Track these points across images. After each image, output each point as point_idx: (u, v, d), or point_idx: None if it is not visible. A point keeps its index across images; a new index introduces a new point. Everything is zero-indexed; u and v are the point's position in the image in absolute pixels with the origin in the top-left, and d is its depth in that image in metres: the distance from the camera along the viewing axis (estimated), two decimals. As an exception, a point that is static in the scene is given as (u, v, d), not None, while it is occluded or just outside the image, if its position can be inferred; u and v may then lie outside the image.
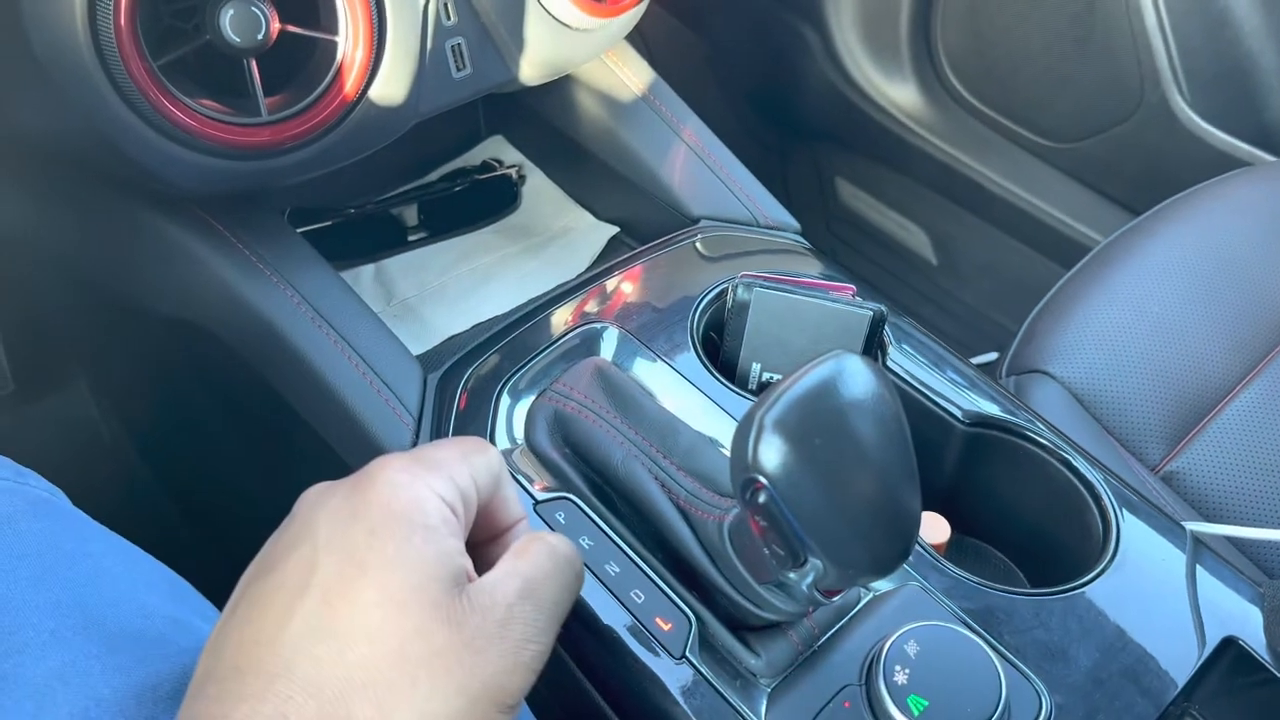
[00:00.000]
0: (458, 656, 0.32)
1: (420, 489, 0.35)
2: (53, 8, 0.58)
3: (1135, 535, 0.57)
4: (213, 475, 1.01)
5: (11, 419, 1.06)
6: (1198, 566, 0.56)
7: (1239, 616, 0.54)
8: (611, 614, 0.51)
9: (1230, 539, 0.72)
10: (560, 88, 0.86)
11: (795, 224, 0.80)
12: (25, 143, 0.71)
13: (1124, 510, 0.58)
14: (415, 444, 0.63)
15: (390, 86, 0.66)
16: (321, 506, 0.35)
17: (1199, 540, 0.58)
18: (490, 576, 0.35)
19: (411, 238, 0.88)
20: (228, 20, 0.60)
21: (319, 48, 0.65)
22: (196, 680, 0.33)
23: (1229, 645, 0.52)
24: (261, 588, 0.34)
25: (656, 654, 0.49)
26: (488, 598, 0.34)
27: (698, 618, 0.50)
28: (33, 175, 0.79)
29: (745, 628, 0.49)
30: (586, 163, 0.88)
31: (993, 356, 0.99)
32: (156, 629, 0.44)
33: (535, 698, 0.49)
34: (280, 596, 0.33)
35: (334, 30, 0.63)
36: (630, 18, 0.79)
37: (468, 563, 0.36)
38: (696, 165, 0.83)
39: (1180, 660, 0.51)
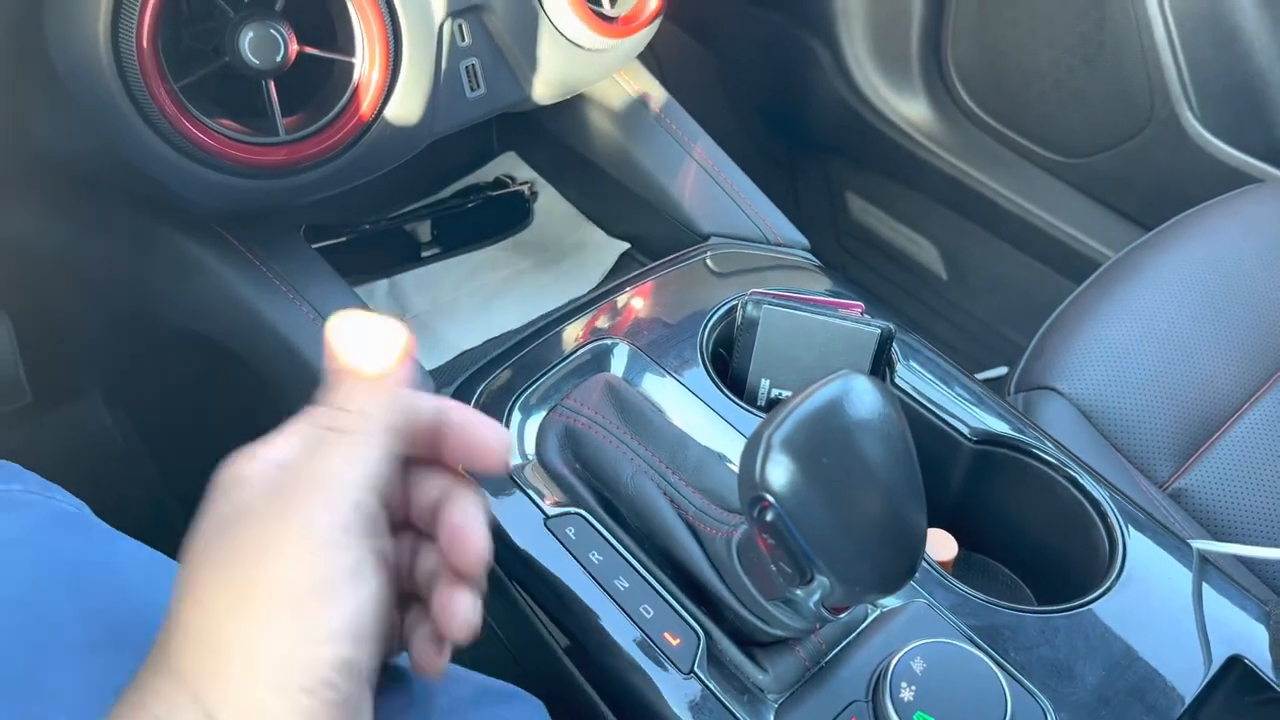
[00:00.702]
0: None
1: None
2: (76, 31, 0.59)
3: (1141, 553, 0.57)
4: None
5: (28, 429, 1.07)
6: (1204, 584, 0.56)
7: (1245, 635, 0.54)
8: (621, 629, 0.52)
9: (1237, 557, 0.72)
10: (572, 106, 0.87)
11: (805, 241, 0.81)
12: (47, 160, 0.72)
13: (1130, 528, 0.58)
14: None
15: (406, 106, 0.67)
16: None
17: (1205, 558, 0.58)
18: None
19: (425, 253, 0.89)
20: (247, 43, 0.62)
21: (336, 69, 0.66)
22: None
23: (1235, 664, 0.52)
24: None
25: (665, 669, 0.50)
26: None
27: (706, 633, 0.51)
28: (54, 191, 0.80)
29: (753, 643, 0.50)
30: (598, 180, 0.89)
31: (1002, 371, 1.00)
32: None
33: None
34: None
35: (351, 52, 0.64)
36: (642, 38, 0.80)
37: None
38: (707, 183, 0.84)
39: (1186, 678, 0.51)
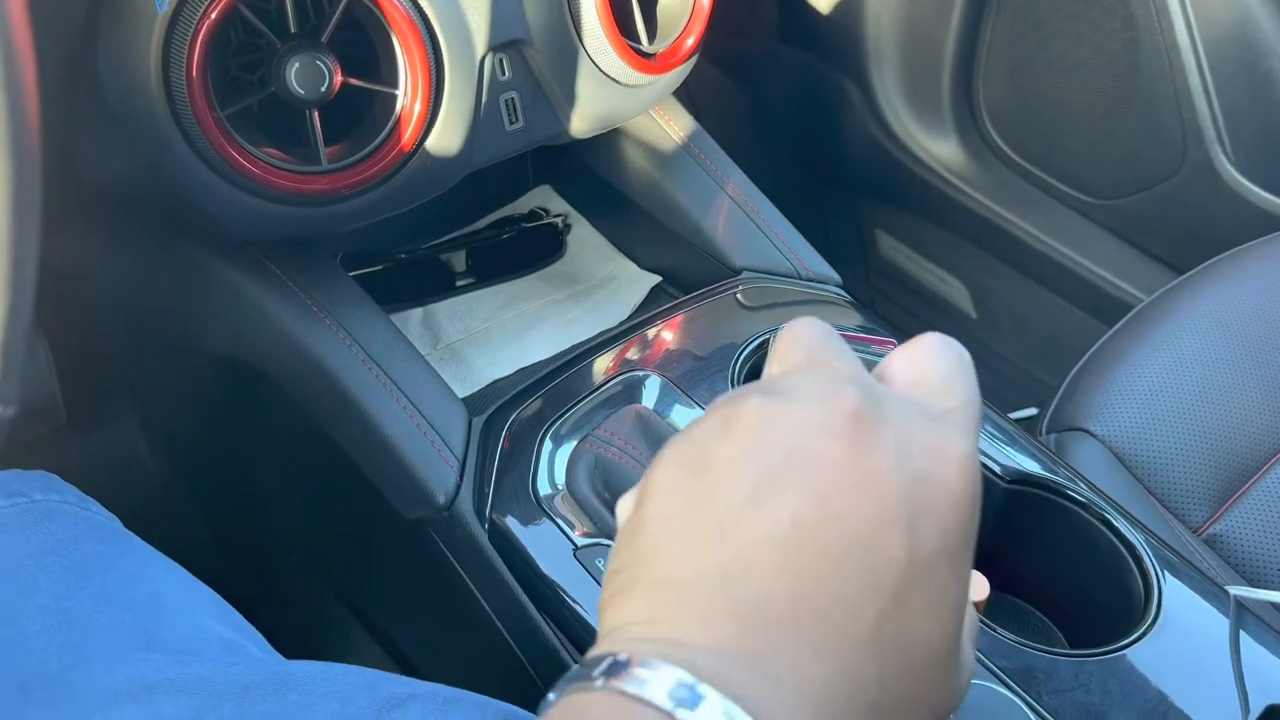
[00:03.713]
0: None
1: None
2: (128, 62, 0.61)
3: (1177, 598, 0.56)
4: (255, 512, 1.03)
5: (62, 451, 1.08)
6: (1241, 632, 0.55)
7: (1284, 684, 0.53)
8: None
9: (1276, 605, 0.70)
10: (607, 140, 0.88)
11: (836, 277, 0.81)
12: (93, 186, 0.74)
13: (1166, 572, 0.57)
14: (459, 486, 0.64)
15: (445, 138, 0.68)
16: (901, 486, 0.26)
17: (1242, 605, 0.57)
18: None
19: (459, 283, 0.89)
20: (293, 73, 0.63)
21: (379, 100, 0.67)
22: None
23: (1273, 714, 0.51)
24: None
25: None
26: None
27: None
28: (95, 215, 0.82)
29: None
30: (631, 213, 0.90)
31: (1032, 412, 0.99)
32: (213, 650, 0.45)
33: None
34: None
35: (394, 84, 0.66)
36: (678, 74, 0.81)
37: None
38: (739, 217, 0.84)
39: (1223, 727, 0.51)
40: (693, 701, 0.23)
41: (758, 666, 0.24)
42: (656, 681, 0.23)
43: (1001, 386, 1.36)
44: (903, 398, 0.29)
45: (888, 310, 1.50)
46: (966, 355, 0.32)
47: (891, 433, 0.27)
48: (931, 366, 0.31)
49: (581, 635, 0.54)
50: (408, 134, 0.67)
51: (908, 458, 0.26)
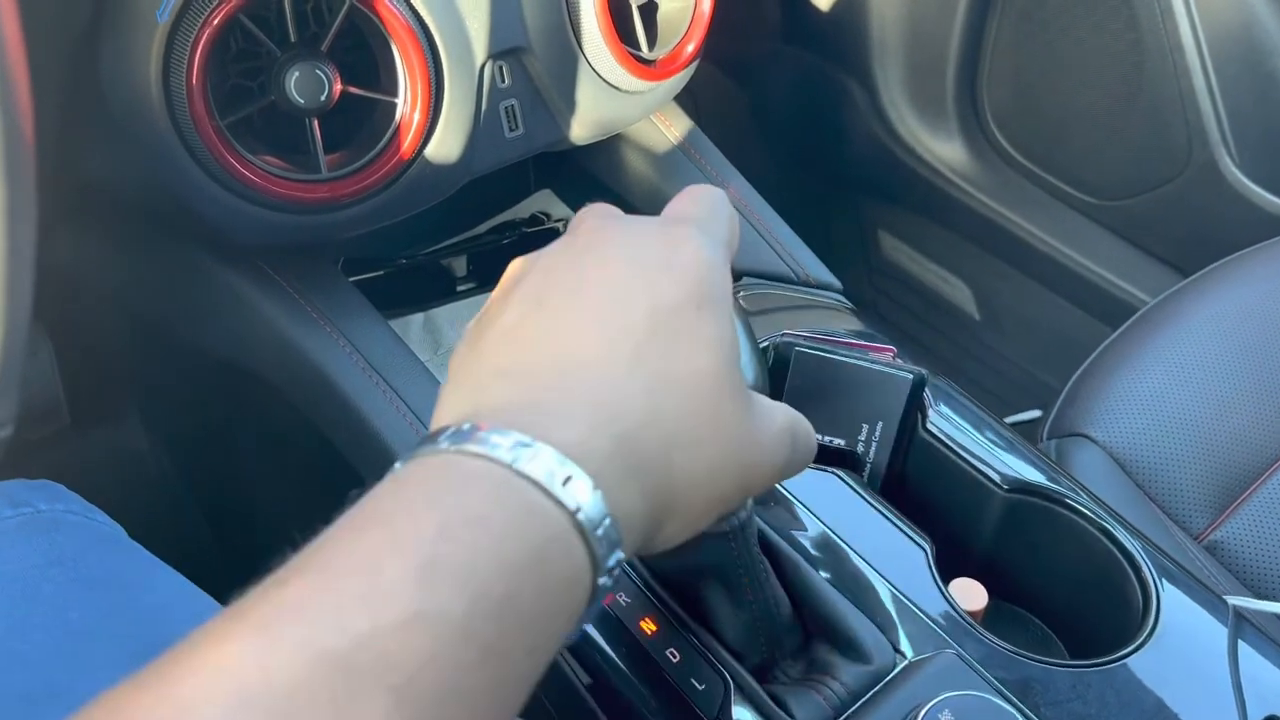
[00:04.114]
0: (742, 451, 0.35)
1: (726, 273, 0.37)
2: (129, 68, 0.61)
3: (1176, 608, 0.56)
4: (255, 513, 1.03)
5: (66, 451, 1.09)
6: (1240, 642, 0.55)
7: (1282, 695, 0.53)
8: (645, 671, 0.52)
9: (1276, 615, 0.70)
10: (608, 146, 0.88)
11: (837, 283, 0.81)
12: (96, 189, 0.74)
13: (1164, 582, 0.57)
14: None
15: (445, 146, 0.68)
16: (636, 264, 0.35)
17: (1241, 615, 0.57)
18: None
19: (460, 288, 0.90)
20: (293, 82, 0.63)
21: (378, 108, 0.67)
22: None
23: (1271, 725, 0.51)
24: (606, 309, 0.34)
25: (691, 713, 0.50)
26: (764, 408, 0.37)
27: (733, 679, 0.50)
28: (98, 218, 0.82)
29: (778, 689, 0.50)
30: (631, 218, 0.90)
31: (1035, 414, 0.99)
32: None
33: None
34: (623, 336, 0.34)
35: (394, 92, 0.66)
36: (678, 80, 0.81)
37: None
38: (739, 222, 0.84)
39: (1220, 739, 0.51)
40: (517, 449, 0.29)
41: (543, 410, 0.31)
42: (499, 441, 0.29)
43: (1004, 388, 1.36)
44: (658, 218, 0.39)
45: (890, 311, 1.50)
46: (720, 192, 0.42)
47: (634, 232, 0.37)
48: (690, 202, 0.40)
49: (577, 641, 0.54)
50: (407, 142, 0.67)
51: (649, 246, 0.36)
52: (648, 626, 0.53)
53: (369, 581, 0.25)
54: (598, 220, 0.38)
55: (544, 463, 0.28)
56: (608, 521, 0.29)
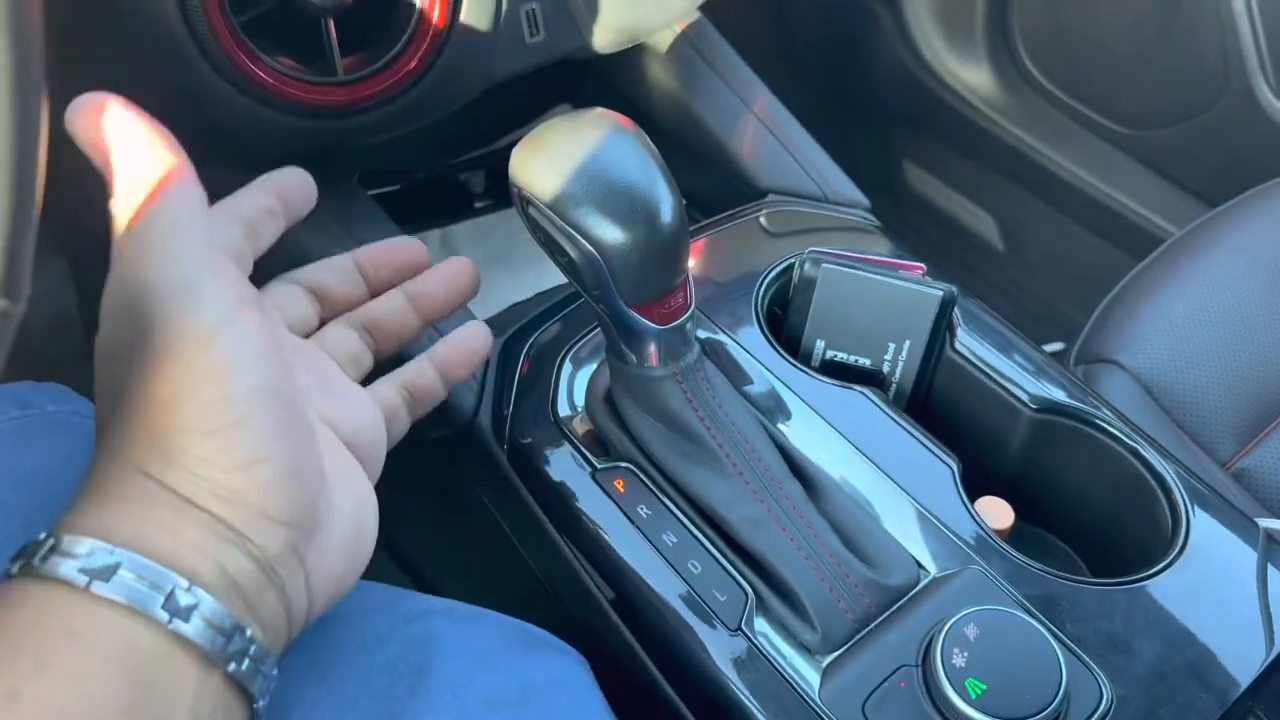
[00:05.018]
0: None
1: None
2: (140, -37, 0.59)
3: (1206, 530, 0.55)
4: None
5: (82, 370, 1.09)
6: (1269, 565, 0.54)
7: (1311, 618, 0.52)
8: (667, 584, 0.51)
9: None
10: (630, 57, 0.86)
11: (865, 200, 0.79)
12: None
13: (1195, 504, 0.56)
14: (479, 406, 0.63)
15: (464, 50, 0.66)
16: None
17: (1272, 537, 0.56)
18: None
19: (478, 204, 0.88)
20: (308, -22, 0.61)
21: (396, 9, 0.65)
22: None
23: (1299, 646, 0.51)
24: None
25: (712, 625, 0.49)
26: None
27: (754, 590, 0.50)
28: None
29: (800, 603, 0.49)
30: (654, 133, 0.87)
31: (1058, 346, 0.97)
32: None
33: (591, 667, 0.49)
34: None
35: (412, -9, 0.64)
36: (705, -14, 0.79)
37: None
38: (765, 138, 0.82)
39: (1247, 659, 0.50)
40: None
41: None
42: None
43: (1028, 321, 1.34)
44: None
45: (914, 243, 1.48)
46: None
47: None
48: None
49: (599, 556, 0.54)
50: (425, 45, 0.65)
51: None
52: (669, 538, 0.52)
53: None
54: None
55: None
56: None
